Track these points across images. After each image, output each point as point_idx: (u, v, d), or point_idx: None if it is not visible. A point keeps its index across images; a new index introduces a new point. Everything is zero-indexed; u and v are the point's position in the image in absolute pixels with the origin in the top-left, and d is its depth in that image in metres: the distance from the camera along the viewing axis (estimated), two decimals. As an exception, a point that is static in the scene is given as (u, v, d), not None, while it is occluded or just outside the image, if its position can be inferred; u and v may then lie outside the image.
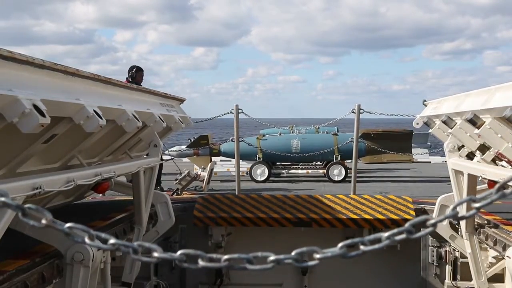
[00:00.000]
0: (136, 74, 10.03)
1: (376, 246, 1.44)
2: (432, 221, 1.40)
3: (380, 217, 8.20)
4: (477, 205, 1.28)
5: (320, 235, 8.47)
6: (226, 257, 1.49)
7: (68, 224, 1.55)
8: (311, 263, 1.50)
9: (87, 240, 1.56)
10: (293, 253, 1.47)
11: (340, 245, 1.47)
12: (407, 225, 1.42)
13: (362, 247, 1.46)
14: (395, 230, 1.44)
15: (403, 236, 1.41)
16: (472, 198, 1.30)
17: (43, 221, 1.54)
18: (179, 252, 1.50)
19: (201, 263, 1.49)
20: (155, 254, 1.51)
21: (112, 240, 1.55)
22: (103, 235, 1.60)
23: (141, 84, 10.09)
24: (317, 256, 1.46)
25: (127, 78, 10.06)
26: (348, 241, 1.50)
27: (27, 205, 1.53)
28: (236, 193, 9.87)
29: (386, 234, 1.45)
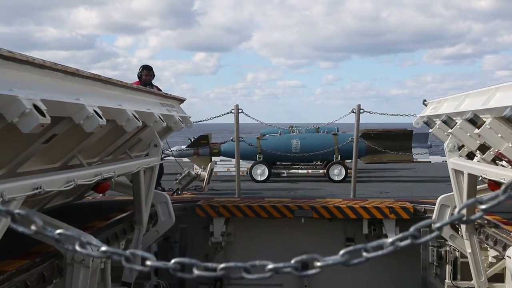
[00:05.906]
0: (141, 73, 9.98)
1: (380, 252, 1.41)
2: (437, 225, 1.37)
3: (379, 205, 8.45)
4: (483, 206, 1.25)
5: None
6: (222, 265, 1.46)
7: (58, 231, 1.50)
8: (311, 271, 1.47)
9: (77, 247, 1.51)
10: (292, 261, 1.45)
11: (341, 252, 1.44)
12: (411, 229, 1.39)
13: (365, 254, 1.42)
14: (399, 235, 1.42)
15: (407, 241, 1.38)
16: (478, 200, 1.27)
17: (33, 228, 1.48)
18: (173, 261, 1.46)
19: (196, 272, 1.45)
20: (148, 263, 1.48)
21: (103, 248, 1.51)
22: (94, 242, 1.56)
23: (153, 82, 10.05)
24: (318, 264, 1.44)
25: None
26: (350, 248, 1.46)
27: (16, 211, 1.47)
28: (237, 195, 9.85)
29: (389, 240, 1.42)
